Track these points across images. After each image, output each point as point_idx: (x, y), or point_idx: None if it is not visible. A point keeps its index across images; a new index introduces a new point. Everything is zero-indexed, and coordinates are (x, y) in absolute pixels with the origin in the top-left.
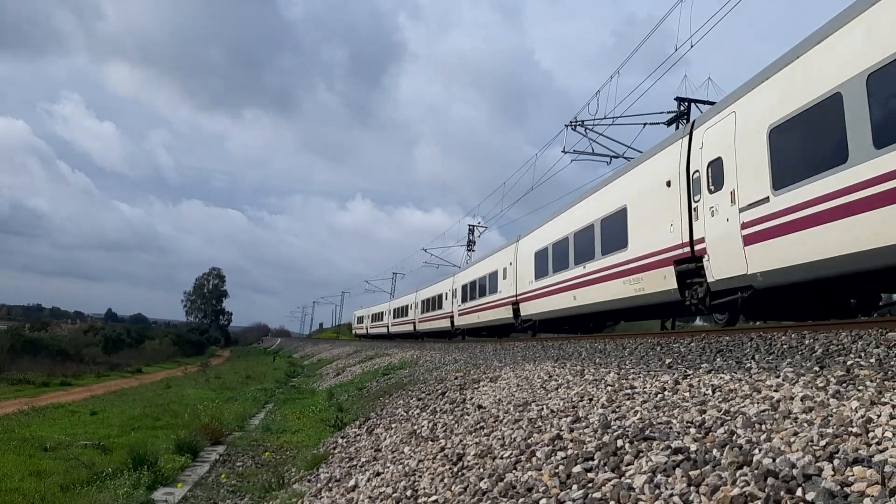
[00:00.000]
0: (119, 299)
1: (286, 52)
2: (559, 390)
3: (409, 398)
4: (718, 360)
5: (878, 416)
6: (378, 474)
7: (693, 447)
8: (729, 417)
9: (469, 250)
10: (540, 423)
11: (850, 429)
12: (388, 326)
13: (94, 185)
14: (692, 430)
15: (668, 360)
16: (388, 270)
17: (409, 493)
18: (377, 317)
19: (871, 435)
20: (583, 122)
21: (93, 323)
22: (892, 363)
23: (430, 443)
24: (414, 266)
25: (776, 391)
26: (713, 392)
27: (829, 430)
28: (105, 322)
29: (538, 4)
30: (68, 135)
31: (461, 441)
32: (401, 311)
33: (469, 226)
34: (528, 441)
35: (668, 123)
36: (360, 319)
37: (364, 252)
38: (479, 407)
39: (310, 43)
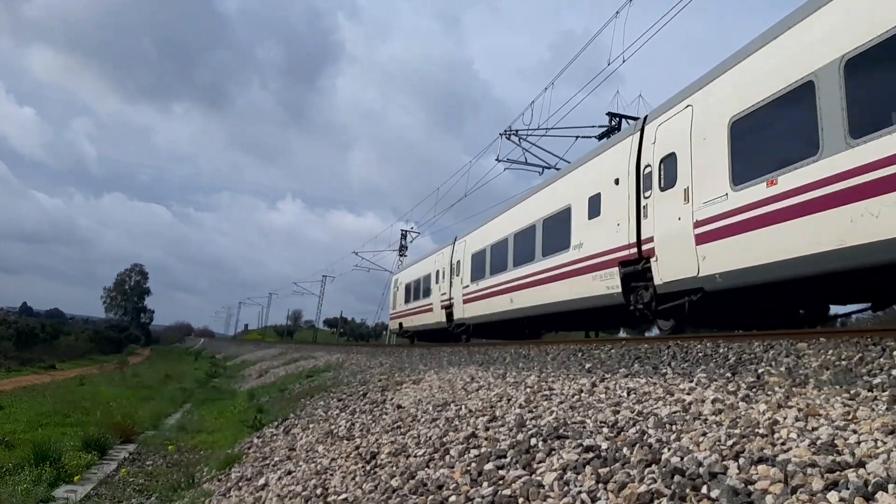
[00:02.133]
0: (35, 293)
1: (220, 46)
2: (479, 392)
3: (330, 399)
4: (636, 365)
5: (785, 418)
6: (289, 473)
7: (604, 445)
8: (641, 418)
9: (401, 255)
10: (457, 423)
11: (756, 430)
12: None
13: (12, 173)
14: (605, 430)
15: (588, 365)
16: (317, 273)
17: (318, 491)
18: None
19: (776, 436)
20: (517, 131)
21: (5, 316)
22: (801, 371)
23: (346, 442)
24: (344, 269)
25: (688, 394)
26: (628, 394)
27: (737, 431)
28: (19, 315)
29: (478, 15)
30: None
31: (377, 440)
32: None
33: (402, 231)
34: (444, 440)
35: (600, 137)
36: (414, 291)
37: (293, 253)
38: (399, 407)
39: (245, 38)
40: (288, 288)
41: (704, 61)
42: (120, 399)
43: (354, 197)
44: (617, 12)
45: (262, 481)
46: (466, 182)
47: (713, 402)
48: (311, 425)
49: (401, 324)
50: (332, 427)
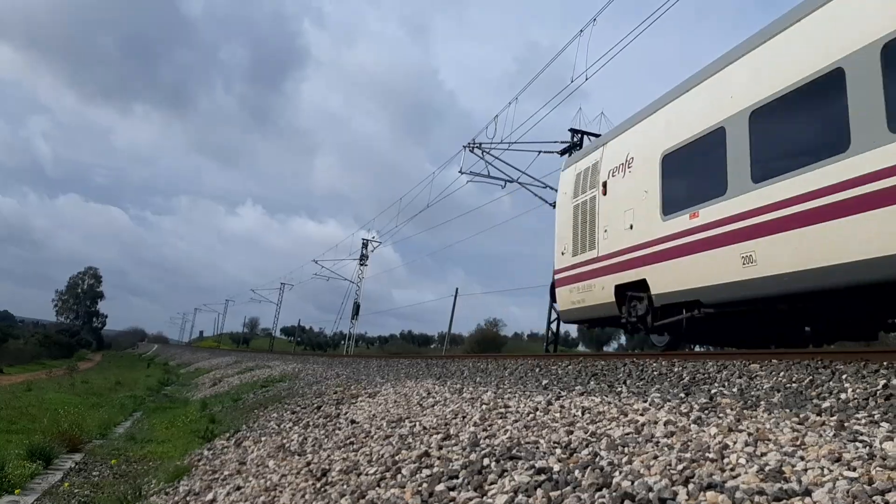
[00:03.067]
0: None
1: (183, 47)
2: (435, 407)
3: (284, 411)
4: (592, 383)
5: (734, 442)
6: (238, 488)
7: (556, 467)
8: (594, 439)
9: (362, 265)
10: (410, 440)
11: (707, 454)
12: None
13: None
14: (557, 451)
15: (544, 382)
16: (276, 280)
17: None
18: None
19: (725, 461)
20: (480, 144)
21: None
22: (752, 393)
23: (297, 457)
24: (303, 277)
25: (642, 415)
26: (583, 414)
27: (688, 455)
28: None
29: (445, 25)
30: None
31: (329, 456)
32: None
33: (363, 240)
34: (396, 458)
35: (562, 153)
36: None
37: (252, 260)
38: (352, 422)
39: (209, 40)
40: (245, 295)
41: (665, 82)
42: (68, 406)
43: (316, 203)
44: (581, 30)
45: (210, 496)
46: (430, 193)
47: (665, 423)
48: (262, 438)
49: (624, 287)
50: (285, 441)
